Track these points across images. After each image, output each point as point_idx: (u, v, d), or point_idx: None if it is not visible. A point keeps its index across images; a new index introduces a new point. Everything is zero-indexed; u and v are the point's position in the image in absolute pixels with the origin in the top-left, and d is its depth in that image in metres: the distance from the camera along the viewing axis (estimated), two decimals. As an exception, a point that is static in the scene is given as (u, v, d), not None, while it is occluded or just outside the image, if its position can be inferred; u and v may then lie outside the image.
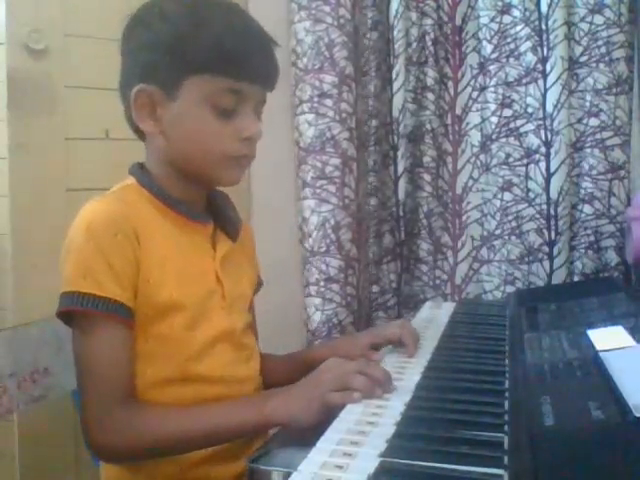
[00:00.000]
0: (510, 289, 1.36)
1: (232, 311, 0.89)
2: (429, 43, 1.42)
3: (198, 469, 0.81)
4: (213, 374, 0.84)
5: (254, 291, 1.00)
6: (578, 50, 1.32)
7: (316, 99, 1.36)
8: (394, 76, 1.42)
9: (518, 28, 1.34)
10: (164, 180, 0.86)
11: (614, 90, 1.31)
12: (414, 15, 1.42)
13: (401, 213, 1.47)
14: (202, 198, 0.91)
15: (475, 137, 1.41)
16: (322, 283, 1.36)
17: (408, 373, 0.82)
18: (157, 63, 0.81)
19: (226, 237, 0.91)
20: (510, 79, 1.35)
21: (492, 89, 1.36)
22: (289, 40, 1.38)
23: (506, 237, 1.36)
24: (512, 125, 1.36)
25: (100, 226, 0.78)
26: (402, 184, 1.45)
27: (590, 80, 1.32)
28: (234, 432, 0.78)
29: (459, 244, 1.43)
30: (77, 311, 0.77)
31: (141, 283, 0.79)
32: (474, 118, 1.41)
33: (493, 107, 1.36)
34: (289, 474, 0.56)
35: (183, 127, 0.82)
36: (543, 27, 1.32)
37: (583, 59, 1.32)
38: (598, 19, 1.30)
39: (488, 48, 1.36)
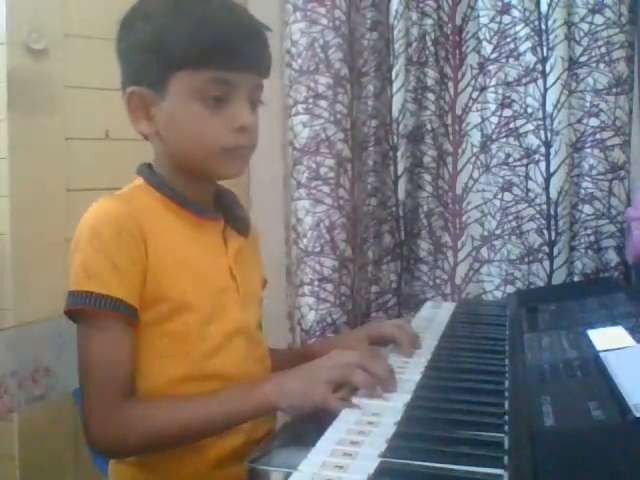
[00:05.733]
0: (510, 289, 1.35)
1: (246, 306, 0.89)
2: (429, 43, 1.42)
3: (214, 471, 0.81)
4: (230, 370, 0.84)
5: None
6: (578, 50, 1.32)
7: (311, 100, 1.35)
8: (394, 76, 1.42)
9: (518, 28, 1.33)
10: (171, 179, 0.86)
11: (614, 90, 1.30)
12: (414, 15, 1.42)
13: (401, 213, 1.46)
14: (210, 195, 0.91)
15: (475, 137, 1.41)
16: (316, 283, 1.36)
17: (408, 373, 0.82)
18: (143, 64, 0.82)
19: (236, 233, 0.91)
20: (510, 79, 1.35)
21: (492, 89, 1.36)
22: (283, 41, 1.38)
23: (506, 237, 1.36)
24: (512, 125, 1.36)
25: (104, 225, 0.78)
26: (402, 184, 1.44)
27: (590, 80, 1.32)
28: (232, 420, 0.78)
29: (459, 244, 1.43)
30: (81, 309, 0.78)
31: (151, 284, 0.79)
32: (474, 118, 1.40)
33: (493, 107, 1.36)
34: (289, 474, 0.56)
35: (176, 124, 0.82)
36: (543, 27, 1.32)
37: (583, 59, 1.32)
38: (598, 19, 1.30)
39: (488, 48, 1.36)
